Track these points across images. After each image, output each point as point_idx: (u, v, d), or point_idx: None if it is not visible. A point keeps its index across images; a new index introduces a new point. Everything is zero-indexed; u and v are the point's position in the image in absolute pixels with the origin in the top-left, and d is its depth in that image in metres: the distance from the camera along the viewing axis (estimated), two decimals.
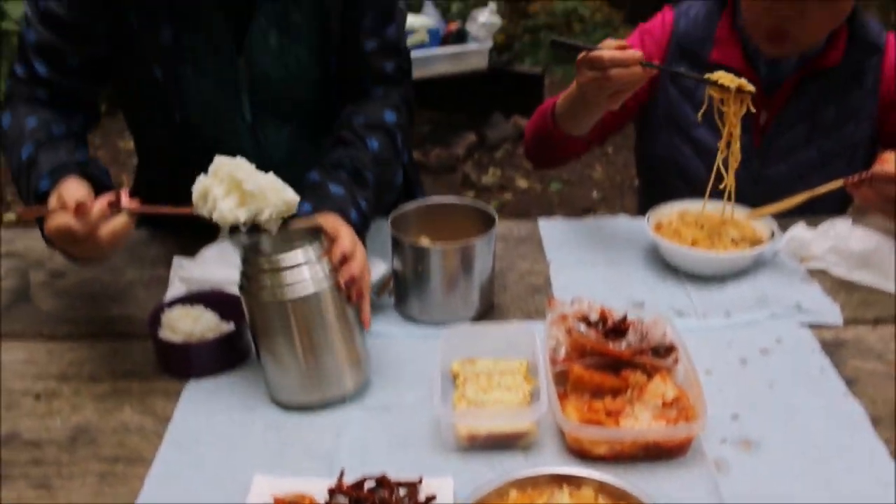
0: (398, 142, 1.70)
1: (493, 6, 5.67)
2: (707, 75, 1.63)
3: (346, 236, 1.30)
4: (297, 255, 1.20)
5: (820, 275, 1.63)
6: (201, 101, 1.67)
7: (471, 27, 5.56)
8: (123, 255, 1.74)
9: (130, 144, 6.35)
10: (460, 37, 5.51)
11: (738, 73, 1.75)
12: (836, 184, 1.60)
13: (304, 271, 1.20)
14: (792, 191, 1.71)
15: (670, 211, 1.72)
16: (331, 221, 1.35)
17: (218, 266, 1.57)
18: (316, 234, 1.26)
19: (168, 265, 1.63)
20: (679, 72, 1.82)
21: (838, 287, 1.58)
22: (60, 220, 1.21)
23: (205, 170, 1.69)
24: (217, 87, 1.66)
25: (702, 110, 1.66)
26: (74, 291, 1.64)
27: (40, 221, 1.34)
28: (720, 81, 1.61)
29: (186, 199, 1.58)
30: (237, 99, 1.68)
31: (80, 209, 1.19)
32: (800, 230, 1.69)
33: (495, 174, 5.54)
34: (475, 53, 5.58)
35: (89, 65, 1.64)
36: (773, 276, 1.61)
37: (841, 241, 1.65)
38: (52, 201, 1.24)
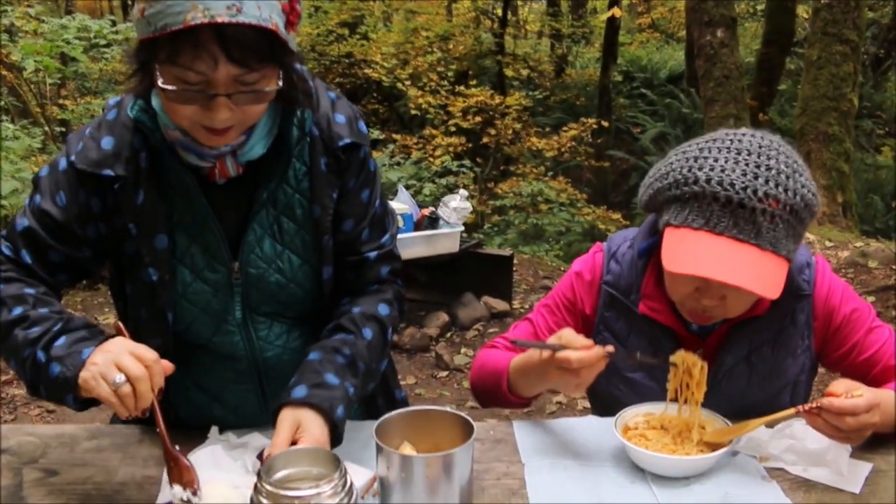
0: (388, 334, 1.82)
1: (463, 192, 5.90)
2: (671, 358, 1.76)
3: None
4: (310, 486, 1.26)
5: (778, 473, 1.68)
6: (194, 302, 1.75)
7: (443, 212, 5.77)
8: (116, 454, 1.78)
9: (110, 318, 6.42)
10: (433, 222, 5.71)
11: (667, 327, 1.86)
12: (789, 412, 1.67)
13: (315, 501, 1.25)
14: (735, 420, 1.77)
15: (636, 413, 1.81)
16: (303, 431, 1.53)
17: (208, 468, 1.61)
18: (335, 460, 1.33)
19: (160, 464, 1.66)
20: (646, 361, 1.80)
21: (796, 486, 1.64)
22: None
23: (194, 366, 1.80)
24: (212, 289, 1.75)
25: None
26: (68, 490, 1.66)
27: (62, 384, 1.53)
28: (684, 363, 1.75)
29: (178, 398, 1.67)
30: (230, 300, 1.76)
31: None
32: (758, 430, 1.75)
33: (467, 354, 5.63)
34: (447, 237, 5.76)
35: (69, 263, 1.74)
36: (735, 477, 1.67)
37: (797, 440, 1.71)
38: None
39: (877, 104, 13.33)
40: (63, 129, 8.91)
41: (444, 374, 5.40)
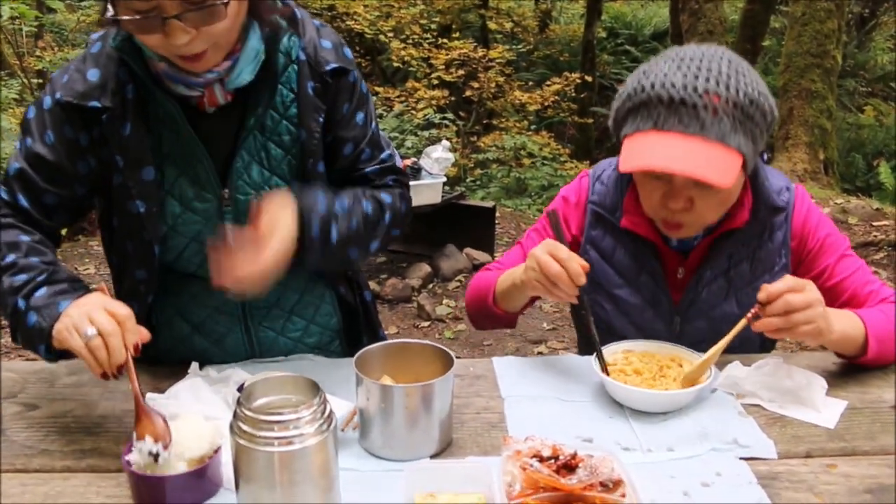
0: (387, 217, 1.83)
1: (446, 143, 5.88)
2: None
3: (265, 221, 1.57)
4: (289, 412, 1.25)
5: (755, 409, 1.70)
6: (184, 232, 1.75)
7: (425, 163, 5.74)
8: (96, 389, 1.78)
9: (90, 269, 6.38)
10: (415, 172, 5.68)
11: (650, 242, 1.92)
12: (741, 324, 1.70)
13: (294, 426, 1.24)
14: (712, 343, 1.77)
15: (615, 350, 1.83)
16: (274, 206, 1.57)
17: (189, 401, 1.63)
18: (314, 387, 1.33)
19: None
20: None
21: (772, 422, 1.66)
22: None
23: (182, 295, 1.78)
24: (201, 219, 1.75)
25: None
26: (48, 424, 1.66)
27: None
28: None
29: (161, 330, 1.65)
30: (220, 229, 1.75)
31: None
32: (735, 368, 1.78)
33: (449, 305, 5.64)
34: (429, 187, 5.75)
35: (64, 204, 1.73)
36: (712, 412, 1.69)
37: (773, 377, 1.74)
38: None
39: (860, 64, 13.35)
40: (41, 81, 8.77)
41: (426, 324, 5.41)
